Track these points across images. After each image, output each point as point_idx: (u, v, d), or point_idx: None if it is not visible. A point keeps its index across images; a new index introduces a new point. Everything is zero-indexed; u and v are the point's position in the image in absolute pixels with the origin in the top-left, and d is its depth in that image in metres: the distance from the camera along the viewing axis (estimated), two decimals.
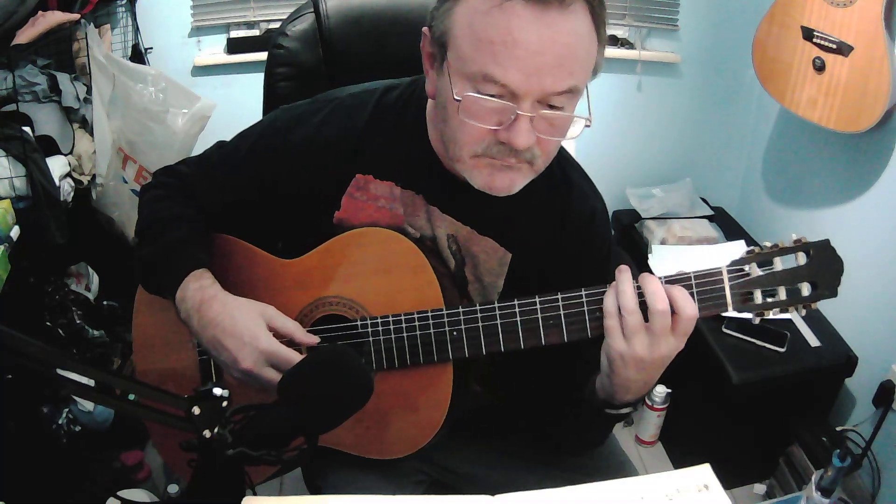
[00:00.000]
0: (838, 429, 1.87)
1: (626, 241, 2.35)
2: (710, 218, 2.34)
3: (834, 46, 1.68)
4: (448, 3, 0.81)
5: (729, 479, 1.87)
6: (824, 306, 1.97)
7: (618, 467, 1.12)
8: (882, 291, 1.82)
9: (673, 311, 0.80)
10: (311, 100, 1.03)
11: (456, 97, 0.80)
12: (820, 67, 1.73)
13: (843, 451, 1.50)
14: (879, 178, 1.83)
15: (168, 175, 1.08)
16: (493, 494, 0.75)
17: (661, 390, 2.05)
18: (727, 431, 1.89)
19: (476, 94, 0.79)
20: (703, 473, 0.76)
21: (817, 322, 1.93)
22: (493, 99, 0.79)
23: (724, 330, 1.86)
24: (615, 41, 2.30)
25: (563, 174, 1.01)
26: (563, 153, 1.01)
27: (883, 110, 1.63)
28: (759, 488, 1.95)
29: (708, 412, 1.95)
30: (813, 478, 1.56)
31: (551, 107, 0.80)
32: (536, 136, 0.81)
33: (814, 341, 1.86)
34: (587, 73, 0.82)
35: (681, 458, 2.08)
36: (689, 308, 0.80)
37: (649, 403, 2.07)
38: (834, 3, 1.66)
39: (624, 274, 0.83)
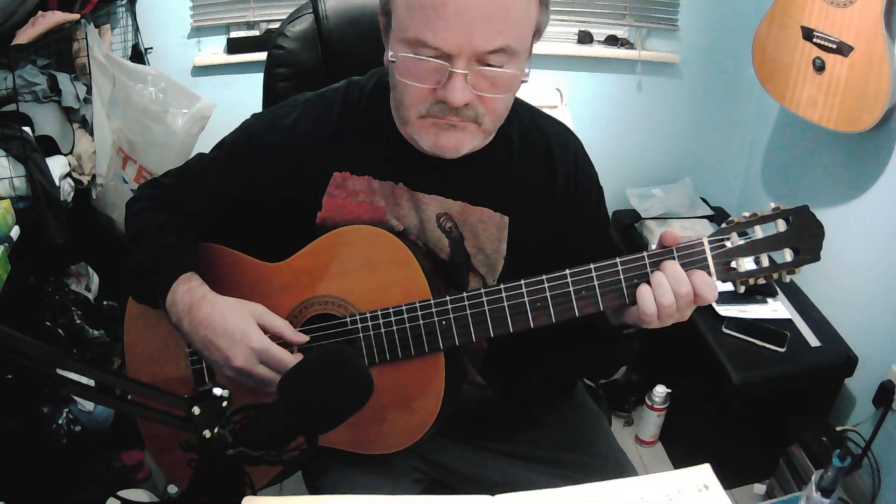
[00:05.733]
0: (838, 429, 1.86)
1: (627, 241, 2.34)
2: (710, 218, 2.35)
3: (834, 46, 1.68)
4: None
5: (729, 479, 1.87)
6: (824, 306, 1.98)
7: (618, 467, 1.12)
8: (882, 291, 1.82)
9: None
10: (280, 104, 1.05)
11: (391, 59, 0.84)
12: (820, 67, 1.73)
13: (843, 451, 1.50)
14: (879, 179, 1.83)
15: (152, 187, 1.09)
16: (493, 494, 0.75)
17: (661, 390, 2.05)
18: (727, 431, 1.89)
19: (409, 55, 0.82)
20: (703, 473, 0.77)
21: (817, 322, 1.93)
22: (424, 59, 0.82)
23: (724, 330, 1.85)
24: (615, 41, 2.29)
25: (538, 127, 1.03)
26: (529, 107, 1.04)
27: (883, 110, 1.63)
28: (759, 488, 1.95)
29: (708, 412, 1.94)
30: (813, 478, 1.56)
31: (490, 66, 0.82)
32: (475, 94, 0.84)
33: (814, 341, 1.86)
34: (522, 32, 0.84)
35: (681, 458, 2.08)
36: (711, 292, 0.84)
37: (649, 403, 2.07)
38: (834, 3, 1.65)
39: (657, 276, 0.85)
